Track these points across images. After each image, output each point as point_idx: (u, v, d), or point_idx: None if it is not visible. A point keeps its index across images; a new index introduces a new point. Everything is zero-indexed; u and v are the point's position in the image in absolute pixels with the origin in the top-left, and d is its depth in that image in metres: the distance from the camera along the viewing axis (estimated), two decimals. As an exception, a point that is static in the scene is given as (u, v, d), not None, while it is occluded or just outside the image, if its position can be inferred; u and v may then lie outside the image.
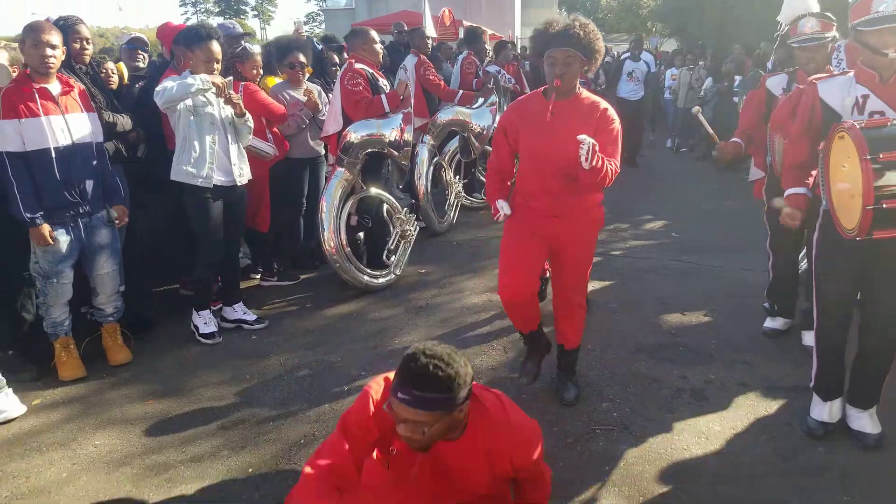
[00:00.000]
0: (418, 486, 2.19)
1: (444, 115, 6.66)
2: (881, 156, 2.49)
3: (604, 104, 3.19)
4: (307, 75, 5.39)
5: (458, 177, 7.18)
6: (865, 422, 3.11)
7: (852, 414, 3.16)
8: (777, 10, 4.49)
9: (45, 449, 3.18)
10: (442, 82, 7.01)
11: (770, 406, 3.45)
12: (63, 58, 3.68)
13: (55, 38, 3.57)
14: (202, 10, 63.85)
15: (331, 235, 4.96)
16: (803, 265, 4.61)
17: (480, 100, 6.84)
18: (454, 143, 7.02)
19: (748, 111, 4.34)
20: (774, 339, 4.25)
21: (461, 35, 12.06)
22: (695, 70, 11.87)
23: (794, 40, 3.79)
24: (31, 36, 3.52)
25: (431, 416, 1.93)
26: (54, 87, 3.62)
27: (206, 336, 4.31)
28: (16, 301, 3.98)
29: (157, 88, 4.01)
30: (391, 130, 5.00)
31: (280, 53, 5.23)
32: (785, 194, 3.13)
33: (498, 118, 6.15)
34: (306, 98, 5.14)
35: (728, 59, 11.04)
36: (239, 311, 4.53)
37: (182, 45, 4.28)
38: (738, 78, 9.95)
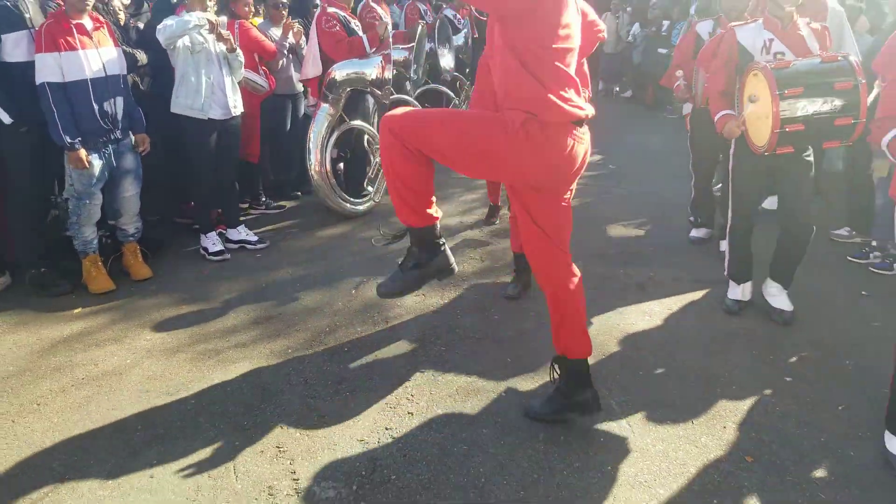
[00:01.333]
0: None
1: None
2: (786, 91, 3.25)
3: None
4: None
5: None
6: (783, 300, 3.88)
7: (773, 292, 3.91)
8: None
9: (102, 344, 3.73)
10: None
11: (697, 293, 4.29)
12: None
13: None
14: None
15: (317, 167, 5.51)
16: (717, 189, 5.47)
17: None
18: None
19: (681, 50, 5.13)
20: (698, 246, 5.13)
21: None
22: (620, 16, 12.53)
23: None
24: None
25: None
26: (87, 22, 4.05)
27: (215, 254, 4.86)
28: (44, 223, 4.43)
29: (159, 26, 4.46)
30: (372, 69, 5.49)
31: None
32: (718, 116, 3.85)
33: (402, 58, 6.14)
34: (288, 34, 5.61)
35: (653, 5, 11.79)
36: (242, 233, 5.09)
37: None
38: (665, 22, 10.66)
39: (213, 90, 4.64)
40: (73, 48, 3.97)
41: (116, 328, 3.89)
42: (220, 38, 4.59)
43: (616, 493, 2.57)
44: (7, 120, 3.99)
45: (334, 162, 5.89)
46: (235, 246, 5.06)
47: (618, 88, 12.99)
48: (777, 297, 3.92)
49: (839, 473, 2.65)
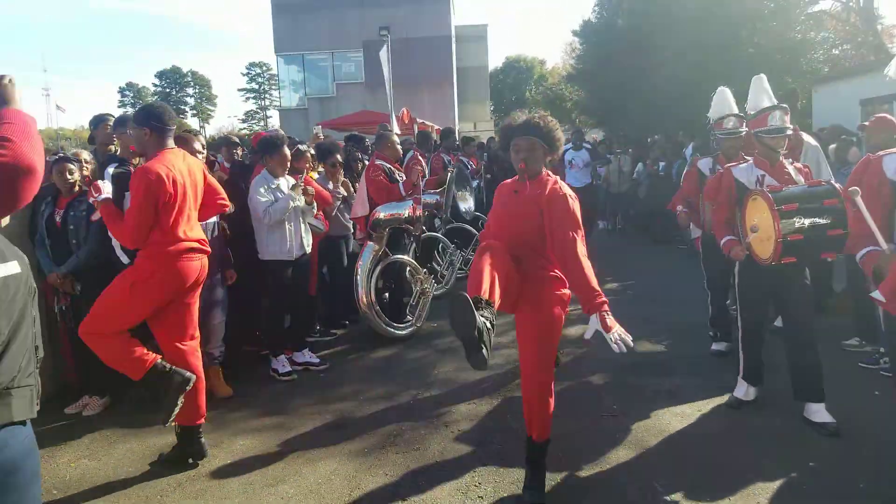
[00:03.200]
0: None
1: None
2: (783, 207, 3.92)
3: (560, 182, 3.52)
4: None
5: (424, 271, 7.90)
6: (824, 414, 4.16)
7: (813, 409, 4.20)
8: (687, 108, 6.17)
9: (202, 449, 4.23)
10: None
11: (723, 398, 4.77)
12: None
13: (198, 144, 4.86)
14: (141, 112, 65.08)
15: (364, 297, 6.23)
16: (732, 308, 6.05)
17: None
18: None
19: (687, 184, 5.94)
20: (719, 358, 5.66)
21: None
22: (622, 156, 13.57)
23: (720, 132, 5.39)
24: (186, 145, 4.77)
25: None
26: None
27: (284, 374, 5.43)
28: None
29: (263, 209, 5.24)
30: (406, 210, 6.42)
31: (321, 154, 6.57)
32: (723, 241, 4.55)
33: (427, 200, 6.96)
34: (343, 189, 6.49)
35: (655, 146, 12.95)
36: (307, 356, 5.69)
37: (261, 151, 5.57)
38: (661, 163, 11.79)
39: (294, 235, 5.39)
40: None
41: (213, 436, 4.40)
42: (304, 194, 5.39)
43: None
44: (126, 261, 4.68)
45: (380, 292, 6.58)
46: (300, 367, 5.62)
47: (609, 226, 13.94)
48: (817, 413, 4.21)
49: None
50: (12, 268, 1.88)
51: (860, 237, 3.33)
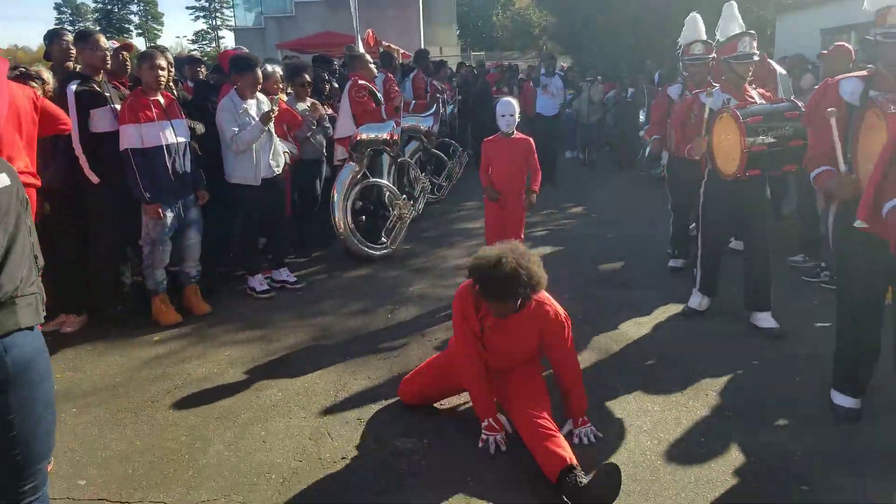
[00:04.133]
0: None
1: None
2: (749, 119, 4.14)
3: (553, 307, 3.30)
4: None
5: (424, 173, 8.39)
6: (770, 321, 4.56)
7: (759, 317, 4.61)
8: (654, 36, 6.30)
9: (188, 360, 4.43)
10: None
11: (675, 307, 5.11)
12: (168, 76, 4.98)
13: (163, 62, 4.86)
14: (80, 28, 62.21)
15: (340, 216, 6.37)
16: (692, 228, 6.36)
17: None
18: (413, 145, 8.38)
19: (657, 110, 6.15)
20: (676, 273, 6.01)
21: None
22: (593, 85, 13.27)
23: (687, 58, 5.56)
24: (148, 62, 4.82)
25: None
26: (161, 98, 4.89)
27: (262, 293, 5.60)
28: (119, 271, 5.16)
29: (228, 137, 5.29)
30: (385, 133, 6.49)
31: (290, 74, 6.58)
32: (689, 146, 4.77)
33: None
34: (312, 110, 6.53)
35: (625, 76, 12.99)
36: (284, 274, 5.86)
37: (232, 71, 5.58)
38: (630, 90, 11.91)
39: (262, 158, 5.45)
40: (150, 120, 4.78)
41: (196, 348, 4.60)
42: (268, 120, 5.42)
43: (628, 438, 3.34)
44: (95, 180, 4.77)
45: (357, 213, 6.73)
46: (277, 286, 5.80)
47: (579, 155, 13.68)
48: (764, 319, 4.61)
49: (798, 420, 3.46)
50: (2, 180, 1.96)
51: (816, 157, 3.56)
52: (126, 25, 64.82)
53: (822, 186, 3.50)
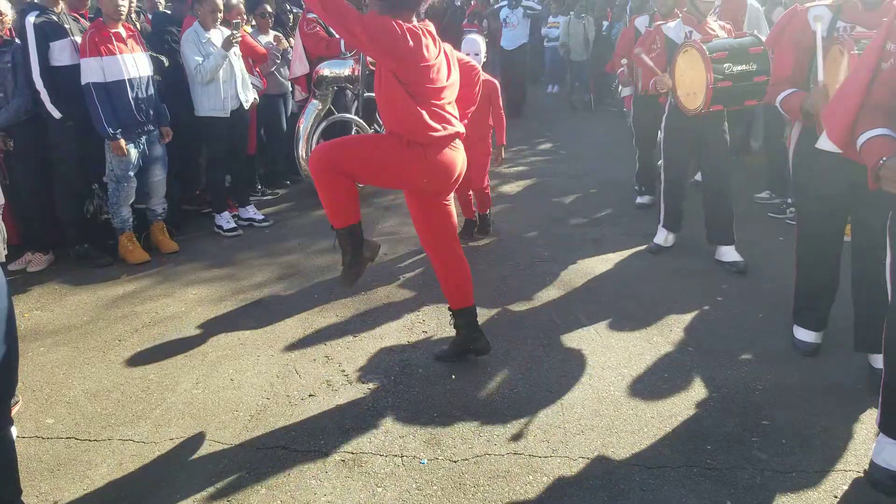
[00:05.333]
0: None
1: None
2: (714, 55, 4.13)
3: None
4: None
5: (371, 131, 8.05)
6: (734, 254, 4.61)
7: (723, 251, 4.65)
8: None
9: (156, 298, 4.42)
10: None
11: (640, 244, 5.15)
12: (128, 7, 4.80)
13: None
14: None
15: (305, 155, 6.25)
16: (658, 163, 6.38)
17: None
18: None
19: (623, 41, 6.08)
20: (642, 209, 6.06)
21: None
22: (586, 20, 11.73)
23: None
24: None
25: None
26: (122, 31, 4.73)
27: (230, 231, 5.56)
28: (84, 207, 5.06)
29: (193, 68, 5.15)
30: (346, 69, 6.30)
31: (250, 5, 6.37)
32: (652, 80, 4.75)
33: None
34: (276, 42, 6.35)
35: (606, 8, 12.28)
36: (251, 212, 5.80)
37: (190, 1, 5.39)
38: (604, 23, 11.57)
39: (228, 89, 5.33)
40: (112, 53, 4.64)
41: (164, 287, 4.57)
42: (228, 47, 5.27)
43: (591, 373, 3.40)
44: (56, 115, 4.63)
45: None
46: (245, 224, 5.75)
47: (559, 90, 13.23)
48: (727, 253, 4.66)
49: (760, 355, 3.54)
50: None
51: (778, 83, 3.55)
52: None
53: (797, 106, 3.36)
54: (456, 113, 3.19)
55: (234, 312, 4.18)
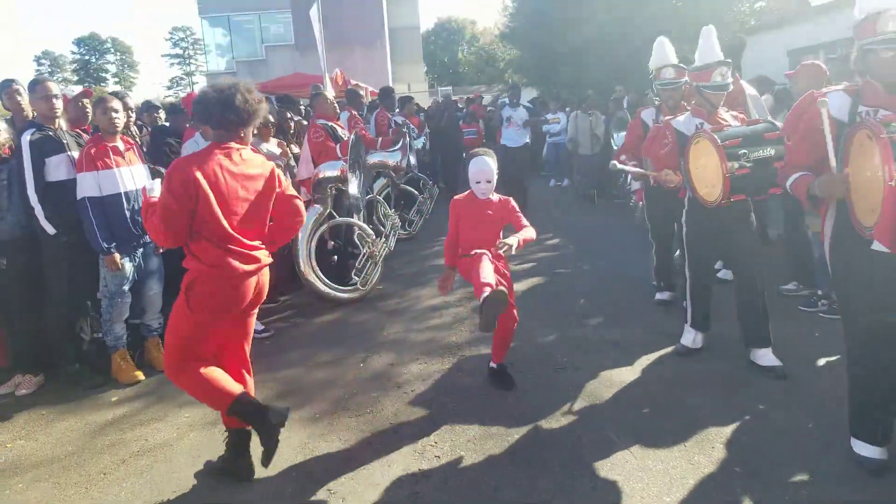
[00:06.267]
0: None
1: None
2: (727, 143, 3.92)
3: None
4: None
5: (394, 210, 8.33)
6: (771, 358, 4.26)
7: (759, 354, 4.31)
8: (616, 60, 6.11)
9: (147, 423, 4.07)
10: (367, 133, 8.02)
11: (665, 345, 4.82)
12: (125, 121, 4.68)
13: (117, 105, 4.57)
14: (60, 79, 62.14)
15: (303, 263, 6.11)
16: (676, 255, 6.15)
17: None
18: (382, 181, 8.23)
19: (631, 135, 5.91)
20: (662, 305, 5.75)
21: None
22: (594, 116, 11.56)
23: (659, 83, 5.37)
24: (101, 106, 4.55)
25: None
26: (120, 144, 4.60)
27: (228, 344, 5.24)
28: (76, 327, 4.78)
29: None
30: (336, 171, 6.26)
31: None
32: (664, 172, 4.56)
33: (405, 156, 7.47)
34: (280, 150, 6.26)
35: (611, 99, 12.23)
36: (251, 323, 5.49)
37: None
38: (603, 117, 11.62)
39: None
40: (108, 167, 4.51)
41: (155, 409, 4.23)
42: None
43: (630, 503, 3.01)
44: (51, 231, 4.44)
45: (329, 254, 6.43)
46: (244, 336, 5.44)
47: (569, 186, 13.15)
48: (764, 357, 4.31)
49: (816, 474, 3.15)
50: None
51: (791, 167, 3.36)
52: (103, 74, 64.96)
53: (805, 190, 3.21)
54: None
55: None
